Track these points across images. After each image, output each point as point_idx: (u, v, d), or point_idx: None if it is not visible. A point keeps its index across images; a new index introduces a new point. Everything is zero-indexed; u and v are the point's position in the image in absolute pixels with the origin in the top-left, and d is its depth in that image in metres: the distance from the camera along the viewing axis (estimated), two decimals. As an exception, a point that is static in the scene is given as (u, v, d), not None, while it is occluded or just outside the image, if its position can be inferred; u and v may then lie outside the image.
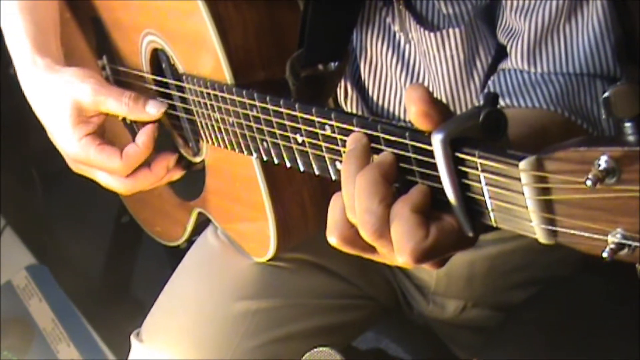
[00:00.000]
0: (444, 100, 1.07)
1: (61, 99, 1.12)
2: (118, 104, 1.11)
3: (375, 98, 1.12)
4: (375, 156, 0.78)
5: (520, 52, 1.01)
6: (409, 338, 1.53)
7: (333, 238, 0.79)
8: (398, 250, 0.73)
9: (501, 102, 0.99)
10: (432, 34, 1.03)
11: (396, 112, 1.12)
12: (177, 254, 1.33)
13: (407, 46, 1.07)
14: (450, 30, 1.03)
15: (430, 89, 1.08)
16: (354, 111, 1.13)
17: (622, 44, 0.98)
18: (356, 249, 0.79)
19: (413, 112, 0.72)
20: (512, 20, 1.02)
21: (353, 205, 0.75)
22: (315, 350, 1.02)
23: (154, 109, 1.12)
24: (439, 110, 0.72)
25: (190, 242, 1.35)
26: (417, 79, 1.09)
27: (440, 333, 1.38)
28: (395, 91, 1.11)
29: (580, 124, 0.96)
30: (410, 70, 1.09)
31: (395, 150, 0.77)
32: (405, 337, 1.53)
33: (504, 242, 1.21)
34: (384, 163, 0.76)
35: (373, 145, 0.79)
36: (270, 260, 1.18)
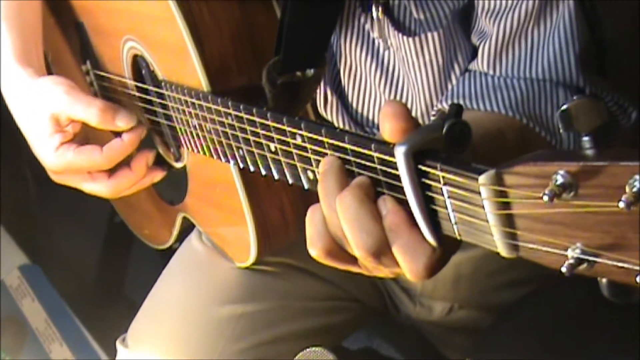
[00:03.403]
0: (422, 106, 1.07)
1: (38, 109, 1.13)
2: (87, 113, 1.11)
3: (354, 104, 1.12)
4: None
5: (486, 54, 1.00)
6: (401, 338, 1.52)
7: (315, 250, 0.79)
8: (410, 269, 0.73)
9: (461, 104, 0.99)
10: (410, 39, 1.03)
11: (375, 119, 1.12)
12: (169, 255, 1.33)
13: (386, 53, 1.07)
14: (429, 34, 1.02)
15: (409, 95, 1.07)
16: (334, 117, 1.13)
17: (590, 54, 0.98)
18: (337, 261, 0.79)
19: (387, 129, 0.72)
20: (483, 22, 1.01)
21: (335, 221, 0.76)
22: (307, 350, 1.02)
23: (122, 123, 1.12)
24: (412, 125, 0.73)
25: (182, 242, 1.35)
26: (397, 86, 1.08)
27: (428, 335, 1.37)
28: (374, 98, 1.11)
29: (538, 132, 0.95)
30: (389, 77, 1.08)
31: (362, 161, 0.76)
32: (397, 337, 1.53)
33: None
34: (364, 183, 0.76)
35: (340, 155, 0.79)
36: (253, 264, 1.18)
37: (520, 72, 0.99)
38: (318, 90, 1.11)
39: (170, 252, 1.35)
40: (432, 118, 1.05)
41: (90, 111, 1.11)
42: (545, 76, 0.98)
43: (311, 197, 0.82)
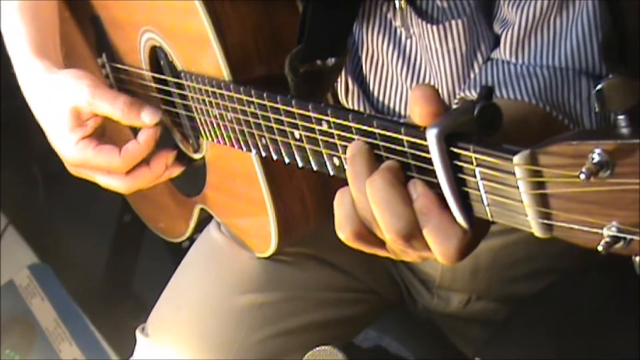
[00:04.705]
0: (445, 94, 1.07)
1: (58, 103, 1.13)
2: (112, 108, 1.11)
3: (376, 93, 1.12)
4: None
5: (509, 43, 1.01)
6: (411, 336, 1.53)
7: (344, 233, 0.79)
8: (441, 251, 0.73)
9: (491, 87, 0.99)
10: (434, 27, 1.03)
11: (397, 108, 1.12)
12: (178, 253, 1.34)
13: (408, 41, 1.07)
14: (453, 22, 1.02)
15: (431, 83, 1.07)
16: (355, 106, 1.13)
17: (612, 43, 0.98)
18: (366, 244, 0.80)
19: (417, 113, 0.73)
20: (506, 11, 1.01)
21: (364, 204, 0.76)
22: (317, 349, 1.01)
23: (148, 118, 1.12)
24: (442, 109, 0.73)
25: (192, 240, 1.36)
26: (419, 75, 1.09)
27: (444, 327, 1.38)
28: (396, 87, 1.11)
29: (561, 120, 0.95)
30: (411, 65, 1.08)
31: (391, 145, 0.77)
32: (408, 336, 1.53)
33: (508, 234, 1.20)
34: (394, 167, 0.77)
35: (368, 140, 0.79)
36: (273, 254, 1.18)
37: (542, 61, 1.00)
38: (339, 79, 1.11)
39: (180, 250, 1.36)
40: (455, 106, 1.05)
41: (116, 106, 1.11)
42: (568, 64, 0.98)
43: (332, 188, 0.82)
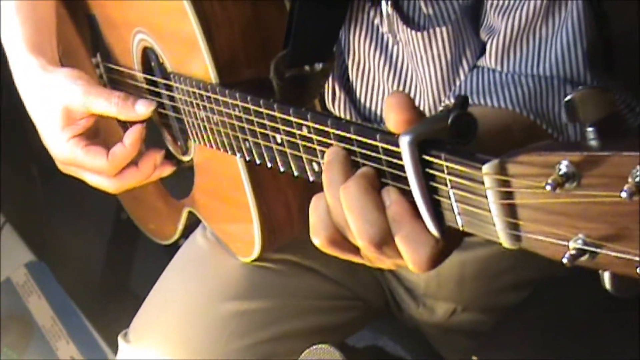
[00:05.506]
0: (430, 101, 1.07)
1: (51, 100, 1.13)
2: (107, 104, 1.11)
3: (362, 100, 1.12)
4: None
5: (494, 50, 1.01)
6: (407, 336, 1.52)
7: (318, 239, 0.79)
8: (413, 259, 0.73)
9: (469, 100, 0.99)
10: (419, 34, 1.03)
11: (383, 114, 1.11)
12: (175, 251, 1.33)
13: (395, 48, 1.07)
14: (437, 29, 1.03)
15: (417, 90, 1.07)
16: (342, 113, 1.13)
17: (597, 51, 0.98)
18: (340, 250, 0.79)
19: (392, 120, 0.72)
20: (492, 18, 1.01)
21: (338, 210, 0.76)
22: (314, 347, 1.01)
23: (143, 108, 1.12)
24: (416, 116, 0.73)
25: (187, 238, 1.35)
26: (405, 81, 1.08)
27: (429, 337, 1.37)
28: (382, 93, 1.11)
29: (545, 129, 0.95)
30: (397, 71, 1.08)
31: (367, 152, 0.77)
32: (404, 335, 1.52)
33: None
34: (368, 174, 0.76)
35: (345, 146, 0.79)
36: (257, 260, 1.18)
37: (527, 69, 1.00)
38: (326, 85, 1.11)
39: (176, 249, 1.35)
40: None
41: (111, 101, 1.11)
42: (553, 73, 0.98)
43: (316, 193, 0.82)
